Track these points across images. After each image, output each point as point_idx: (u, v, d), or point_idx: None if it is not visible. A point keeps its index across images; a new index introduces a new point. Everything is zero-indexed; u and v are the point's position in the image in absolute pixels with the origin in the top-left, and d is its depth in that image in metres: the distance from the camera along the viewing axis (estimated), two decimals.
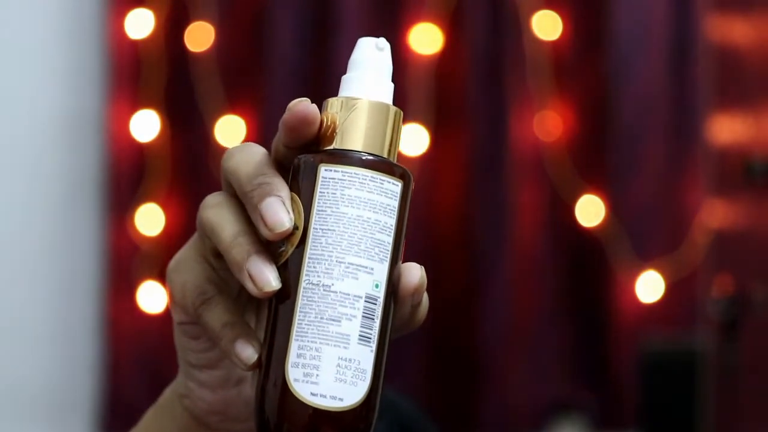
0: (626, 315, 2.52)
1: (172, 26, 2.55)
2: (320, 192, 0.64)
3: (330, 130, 0.66)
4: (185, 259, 0.70)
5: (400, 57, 2.52)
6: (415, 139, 2.51)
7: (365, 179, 0.64)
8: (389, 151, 0.67)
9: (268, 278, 0.64)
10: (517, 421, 2.53)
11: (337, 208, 0.64)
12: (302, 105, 0.67)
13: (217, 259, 0.69)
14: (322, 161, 0.65)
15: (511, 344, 2.52)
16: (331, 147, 0.66)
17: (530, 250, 2.54)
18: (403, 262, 0.66)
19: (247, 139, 2.53)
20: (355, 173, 0.64)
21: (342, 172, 0.65)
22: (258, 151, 0.68)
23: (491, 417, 2.51)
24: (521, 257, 2.53)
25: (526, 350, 2.54)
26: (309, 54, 2.52)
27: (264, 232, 0.64)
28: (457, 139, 2.54)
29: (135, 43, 2.54)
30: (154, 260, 2.50)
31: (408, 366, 2.49)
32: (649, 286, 2.53)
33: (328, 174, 0.65)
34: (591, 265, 2.54)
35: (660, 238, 2.55)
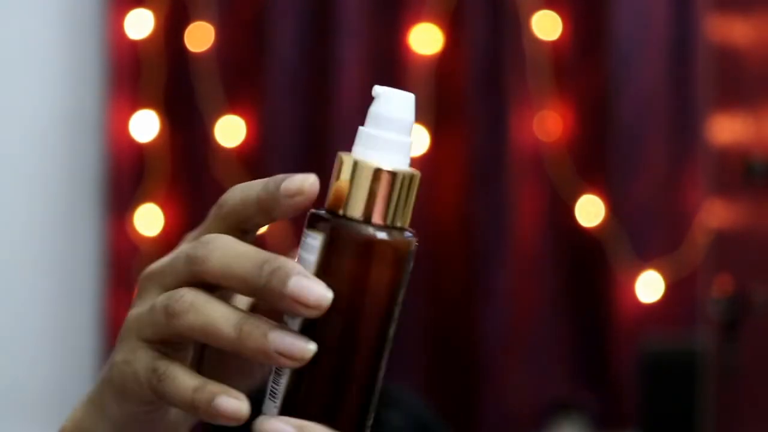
0: (626, 315, 2.52)
1: (172, 26, 2.55)
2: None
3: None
4: (130, 349, 0.66)
5: (400, 57, 2.53)
6: (415, 139, 2.51)
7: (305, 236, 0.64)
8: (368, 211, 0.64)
9: (304, 346, 0.61)
10: (517, 421, 2.53)
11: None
12: (304, 197, 0.62)
13: (164, 344, 0.65)
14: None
15: (511, 344, 2.52)
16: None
17: (530, 250, 2.54)
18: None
19: (246, 139, 2.53)
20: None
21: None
22: (231, 240, 0.63)
23: (491, 417, 2.51)
24: (521, 257, 2.53)
25: (526, 350, 2.54)
26: (309, 54, 2.52)
27: (308, 312, 0.61)
28: (457, 139, 2.54)
29: (135, 43, 2.54)
30: (154, 260, 2.50)
31: (408, 366, 2.49)
32: (649, 286, 2.53)
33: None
34: (591, 265, 2.55)
35: (660, 238, 2.55)
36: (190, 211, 2.55)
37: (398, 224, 0.63)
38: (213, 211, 0.66)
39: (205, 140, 2.53)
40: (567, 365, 2.56)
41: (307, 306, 0.60)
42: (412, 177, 0.63)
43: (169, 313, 0.63)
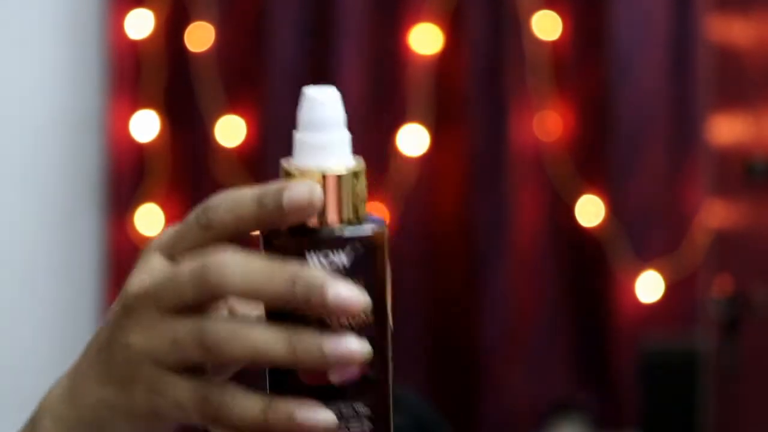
0: (626, 315, 2.52)
1: (172, 26, 2.55)
2: None
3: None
4: (153, 379, 0.62)
5: (400, 57, 2.53)
6: (415, 139, 2.51)
7: None
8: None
9: (362, 348, 0.60)
10: (517, 421, 2.53)
11: None
12: (311, 205, 0.60)
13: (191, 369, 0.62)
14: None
15: (511, 344, 2.52)
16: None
17: (530, 249, 2.54)
18: (392, 267, 0.65)
19: (246, 139, 2.53)
20: None
21: None
22: (242, 257, 0.60)
23: (491, 417, 2.51)
24: (521, 257, 2.53)
25: (526, 350, 2.54)
26: (309, 54, 2.52)
27: (350, 317, 0.61)
28: (457, 139, 2.54)
29: (135, 43, 2.54)
30: None
31: (408, 366, 2.49)
32: (649, 286, 2.53)
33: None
34: (591, 265, 2.54)
35: (660, 238, 2.55)
36: (190, 211, 2.54)
37: (361, 217, 0.63)
38: (193, 224, 0.63)
39: (205, 140, 2.53)
40: (567, 365, 2.56)
41: (350, 313, 0.59)
42: (358, 172, 0.63)
43: (207, 346, 0.59)
